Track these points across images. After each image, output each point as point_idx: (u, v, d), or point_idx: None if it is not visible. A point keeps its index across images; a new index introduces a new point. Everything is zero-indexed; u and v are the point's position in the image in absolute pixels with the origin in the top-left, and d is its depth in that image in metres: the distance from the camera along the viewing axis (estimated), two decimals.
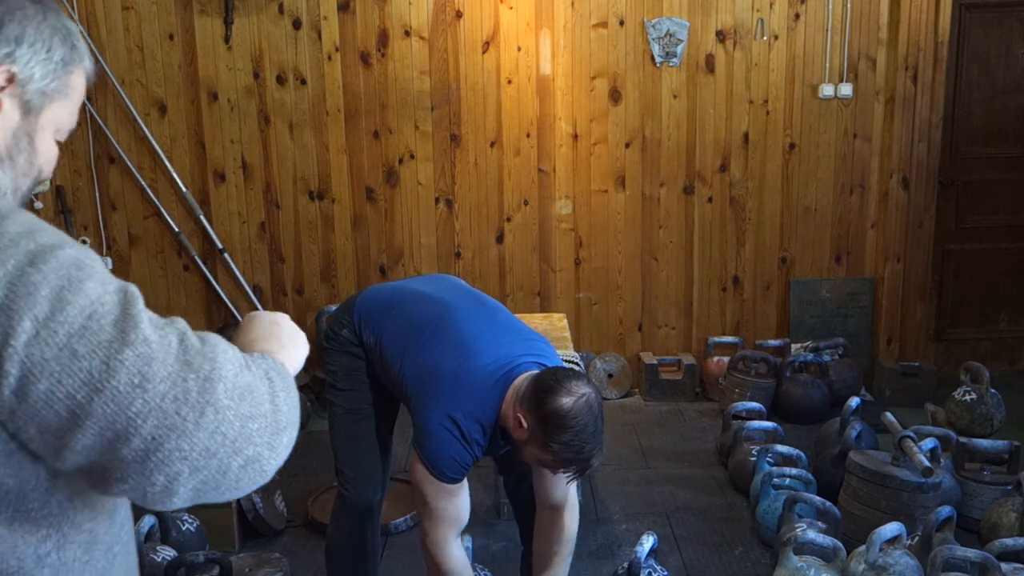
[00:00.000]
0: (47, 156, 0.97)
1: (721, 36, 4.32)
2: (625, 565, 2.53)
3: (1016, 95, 4.56)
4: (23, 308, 0.76)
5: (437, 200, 4.43)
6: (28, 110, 0.93)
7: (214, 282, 4.39)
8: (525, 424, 1.98)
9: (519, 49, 4.29)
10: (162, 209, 4.32)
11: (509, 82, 4.32)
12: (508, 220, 4.46)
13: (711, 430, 4.04)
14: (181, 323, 0.86)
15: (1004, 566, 2.35)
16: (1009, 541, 2.54)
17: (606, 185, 4.44)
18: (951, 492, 3.02)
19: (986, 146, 4.60)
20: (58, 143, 0.99)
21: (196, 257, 4.37)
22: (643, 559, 2.49)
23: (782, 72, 4.36)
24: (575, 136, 4.39)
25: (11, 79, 0.91)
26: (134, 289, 0.85)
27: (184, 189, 4.32)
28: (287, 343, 1.02)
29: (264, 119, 4.32)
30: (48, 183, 4.09)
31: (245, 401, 0.83)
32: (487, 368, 2.08)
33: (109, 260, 4.36)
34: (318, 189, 4.40)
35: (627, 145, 4.41)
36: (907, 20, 4.26)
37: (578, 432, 1.92)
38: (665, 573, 2.57)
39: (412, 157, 4.38)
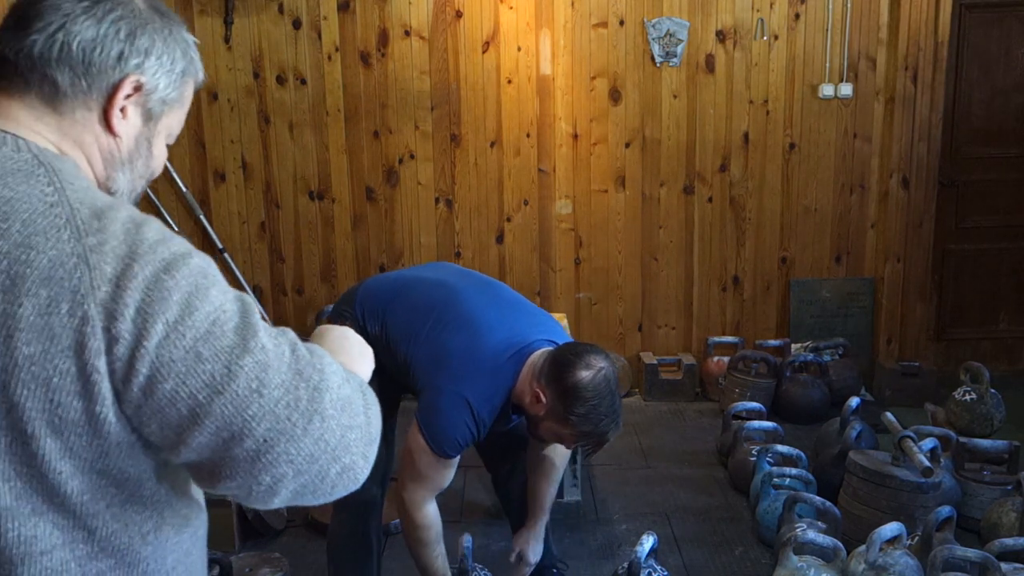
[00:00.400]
0: (160, 160, 1.05)
1: (721, 36, 4.32)
2: (625, 565, 2.53)
3: (1016, 95, 4.56)
4: (157, 312, 0.82)
5: (437, 200, 4.43)
6: (149, 117, 1.00)
7: None
8: (544, 399, 2.04)
9: (519, 49, 4.29)
10: (162, 209, 4.32)
11: (509, 82, 4.32)
12: (508, 220, 4.46)
13: (711, 430, 4.04)
14: (291, 334, 0.91)
15: (1004, 566, 2.35)
16: (1009, 541, 2.54)
17: (606, 185, 4.44)
18: (951, 492, 3.02)
19: (986, 146, 4.60)
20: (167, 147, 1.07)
21: None
22: (643, 559, 2.49)
23: (782, 72, 4.36)
24: (575, 136, 4.39)
25: (139, 88, 0.96)
26: (250, 299, 0.90)
27: (184, 189, 4.32)
28: (357, 357, 1.07)
29: (264, 119, 4.32)
30: None
31: (346, 412, 0.88)
32: (499, 347, 2.12)
33: None
34: (318, 189, 4.40)
35: (627, 145, 4.41)
36: (907, 20, 4.26)
37: (596, 406, 1.99)
38: (665, 573, 2.57)
39: (412, 157, 4.38)
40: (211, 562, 2.48)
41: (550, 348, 2.13)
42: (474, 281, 2.36)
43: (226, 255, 4.38)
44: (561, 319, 3.91)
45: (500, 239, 4.48)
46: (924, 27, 4.26)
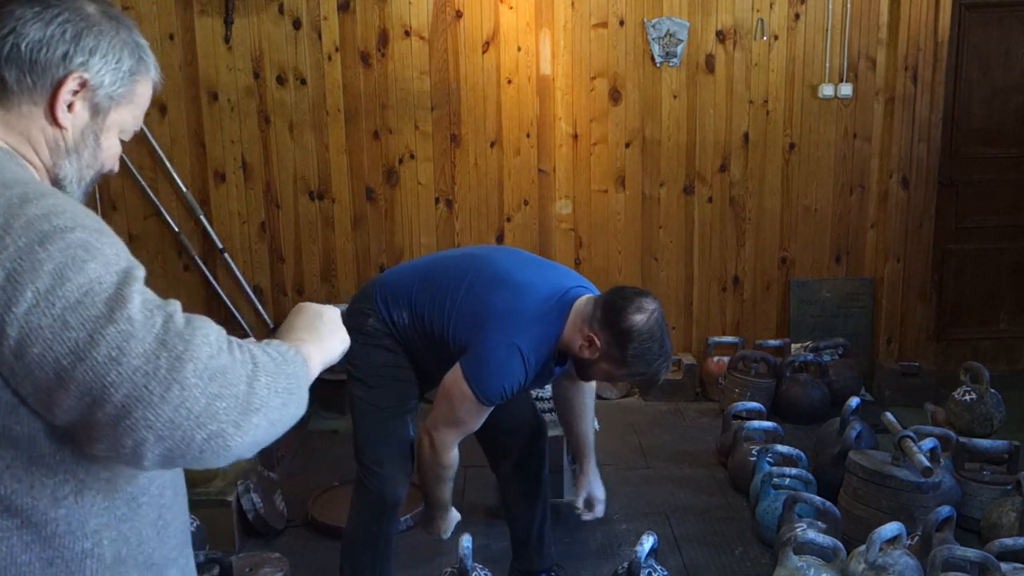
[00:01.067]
0: (110, 152, 1.14)
1: (721, 36, 4.32)
2: (625, 565, 2.53)
3: (1016, 95, 4.56)
4: (27, 281, 0.89)
5: (437, 200, 4.43)
6: (97, 112, 1.10)
7: (214, 282, 4.39)
8: (598, 343, 2.13)
9: (519, 49, 4.29)
10: (162, 209, 4.32)
11: (509, 82, 4.32)
12: (508, 220, 4.46)
13: (711, 430, 4.04)
14: (174, 305, 0.95)
15: (1004, 566, 2.35)
16: (1009, 541, 2.54)
17: (606, 185, 4.44)
18: (951, 492, 3.02)
19: (986, 146, 4.60)
20: (122, 141, 1.16)
21: (196, 257, 4.37)
22: (643, 559, 2.49)
23: (782, 72, 4.36)
24: (575, 136, 4.39)
25: (83, 84, 1.07)
26: (138, 272, 0.94)
27: (184, 189, 4.32)
28: (325, 335, 1.14)
29: (264, 119, 4.32)
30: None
31: (215, 381, 0.91)
32: (540, 297, 2.20)
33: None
34: (318, 189, 4.41)
35: (627, 145, 4.41)
36: (907, 20, 4.26)
37: (650, 347, 2.11)
38: (665, 573, 2.57)
39: (412, 157, 4.38)
40: (211, 562, 2.48)
41: (593, 294, 2.24)
42: (495, 249, 2.47)
43: (226, 255, 4.38)
44: None
45: (500, 239, 4.48)
46: (924, 27, 4.26)
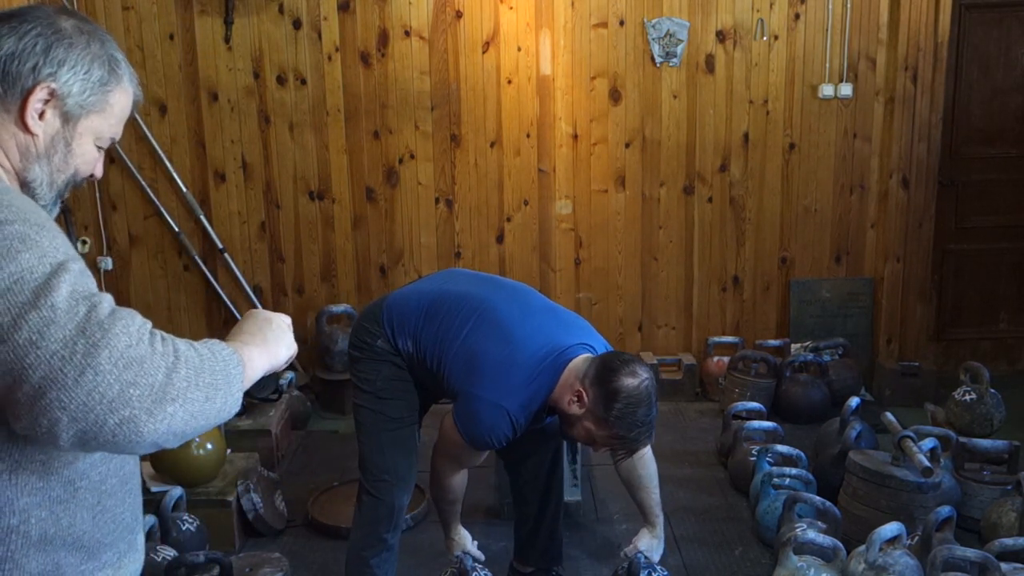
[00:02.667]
0: (84, 159, 1.20)
1: (721, 36, 4.32)
2: (625, 566, 2.53)
3: (1016, 95, 4.56)
4: None
5: (437, 200, 4.43)
6: (67, 119, 1.16)
7: (214, 282, 4.39)
8: (585, 399, 2.14)
9: (519, 49, 4.29)
10: (162, 209, 4.32)
11: (509, 82, 4.32)
12: (508, 220, 4.46)
13: (711, 430, 4.04)
14: (103, 297, 1.00)
15: (1004, 566, 2.35)
16: (1009, 541, 2.54)
17: (606, 185, 4.44)
18: (951, 492, 3.02)
19: (986, 146, 4.60)
20: (100, 148, 1.22)
21: (196, 257, 4.37)
22: (643, 560, 2.49)
23: (782, 72, 4.36)
24: (575, 136, 4.39)
25: (52, 93, 1.13)
26: (73, 265, 1.00)
27: (184, 189, 4.32)
28: (271, 340, 1.20)
29: (264, 119, 4.32)
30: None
31: (130, 370, 0.96)
32: (536, 355, 2.22)
33: (109, 260, 4.36)
34: (318, 189, 4.41)
35: (627, 145, 4.41)
36: (907, 20, 4.26)
37: (635, 412, 2.12)
38: (665, 573, 2.57)
39: (412, 157, 4.38)
40: (211, 562, 2.48)
41: (592, 354, 2.26)
42: (501, 289, 2.45)
43: (226, 255, 4.38)
44: None
45: (500, 239, 4.48)
46: (924, 27, 4.26)
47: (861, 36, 4.33)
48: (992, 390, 3.56)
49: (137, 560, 1.23)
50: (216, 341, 1.11)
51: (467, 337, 2.26)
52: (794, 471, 3.09)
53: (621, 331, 4.60)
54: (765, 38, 4.33)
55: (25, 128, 1.13)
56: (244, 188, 4.39)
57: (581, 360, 2.23)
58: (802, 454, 3.23)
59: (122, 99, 1.22)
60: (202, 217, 4.34)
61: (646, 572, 2.49)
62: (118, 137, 1.25)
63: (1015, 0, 4.46)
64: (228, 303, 4.40)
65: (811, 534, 2.54)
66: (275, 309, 4.75)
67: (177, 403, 1.00)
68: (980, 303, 4.77)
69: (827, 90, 4.35)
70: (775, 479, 3.08)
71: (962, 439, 3.22)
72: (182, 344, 1.04)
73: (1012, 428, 3.64)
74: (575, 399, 2.17)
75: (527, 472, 2.67)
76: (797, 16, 4.31)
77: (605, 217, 4.47)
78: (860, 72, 4.36)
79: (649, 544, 2.56)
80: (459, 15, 4.25)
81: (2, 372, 0.94)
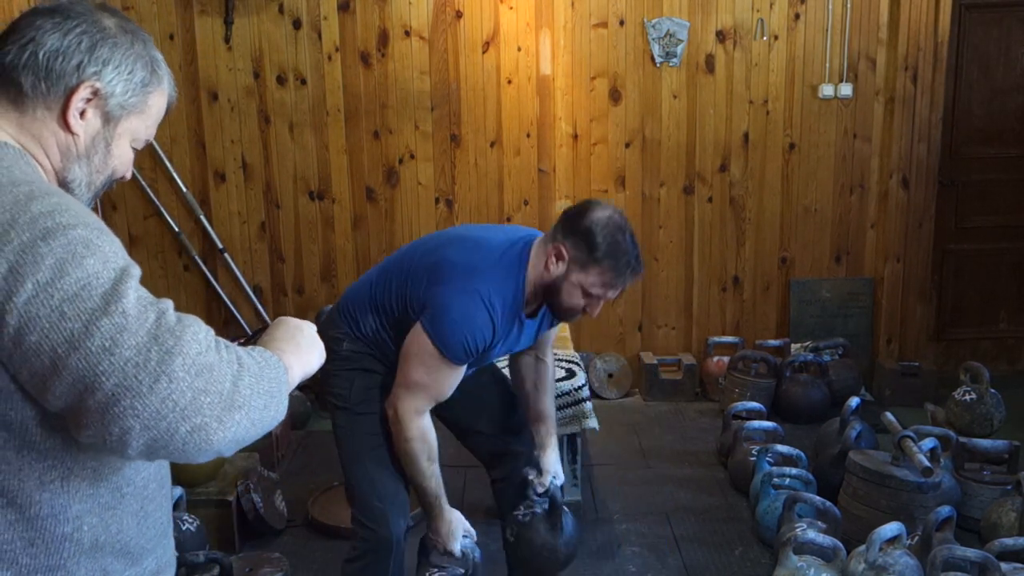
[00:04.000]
0: (122, 159, 1.19)
1: (721, 36, 4.32)
2: (543, 502, 2.35)
3: (1016, 95, 4.56)
4: (28, 273, 0.93)
5: (437, 200, 4.43)
6: (108, 120, 1.14)
7: (214, 282, 4.39)
8: (565, 253, 2.03)
9: (519, 49, 4.29)
10: (162, 209, 4.32)
11: (509, 82, 4.32)
12: (508, 220, 4.46)
13: (711, 430, 4.04)
14: (166, 303, 0.99)
15: (1004, 566, 2.35)
16: (1009, 541, 2.54)
17: (606, 185, 4.44)
18: (951, 492, 3.02)
19: (986, 146, 4.60)
20: (135, 149, 1.21)
21: (196, 257, 4.37)
22: (559, 491, 2.35)
23: (782, 72, 4.36)
24: (575, 136, 4.39)
25: (96, 93, 1.12)
26: (134, 270, 0.99)
27: (184, 189, 4.32)
28: (303, 347, 1.18)
29: (264, 119, 4.32)
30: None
31: (201, 377, 0.95)
32: (498, 246, 2.11)
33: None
34: (318, 189, 4.41)
35: (627, 145, 4.41)
36: (907, 20, 4.26)
37: (618, 240, 2.02)
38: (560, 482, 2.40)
39: (412, 157, 4.38)
40: (211, 562, 2.48)
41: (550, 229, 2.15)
42: (446, 231, 2.38)
43: (226, 255, 4.38)
44: None
45: None
46: (924, 27, 4.26)
47: (861, 36, 4.33)
48: (992, 390, 3.56)
49: (172, 573, 1.23)
50: (263, 349, 1.10)
51: (422, 258, 2.12)
52: (794, 471, 3.09)
53: (621, 331, 4.60)
54: (765, 38, 4.33)
55: (67, 127, 1.11)
56: (244, 188, 4.39)
57: (543, 237, 2.13)
58: (802, 454, 3.23)
59: (160, 101, 1.21)
60: (202, 217, 4.34)
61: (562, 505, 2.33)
62: (152, 138, 1.24)
63: (1015, 0, 4.46)
64: (228, 303, 4.40)
65: (811, 534, 2.54)
66: (275, 309, 4.76)
67: (243, 411, 0.99)
68: (980, 303, 4.77)
69: (827, 90, 4.35)
70: (775, 479, 3.08)
71: (962, 439, 3.22)
72: (242, 351, 1.04)
73: (1012, 428, 3.65)
74: (554, 259, 2.03)
75: (487, 428, 2.41)
76: (797, 16, 4.31)
77: None
78: (860, 72, 4.36)
79: (558, 467, 2.38)
80: (459, 15, 4.25)
81: (73, 380, 0.92)
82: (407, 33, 4.26)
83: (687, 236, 4.52)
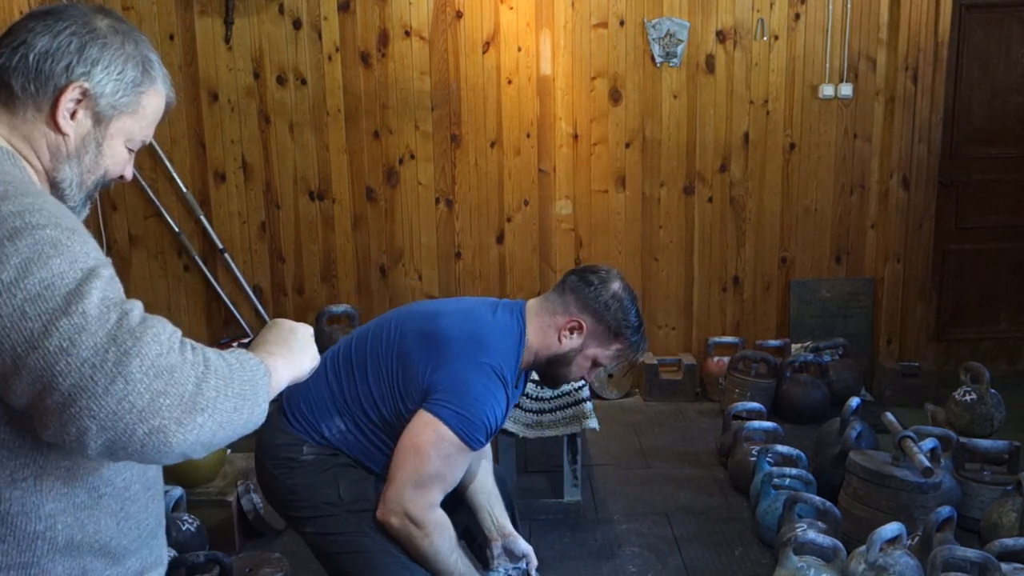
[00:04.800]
0: (114, 160, 1.19)
1: (721, 36, 4.32)
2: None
3: (1016, 95, 4.56)
4: None
5: (437, 200, 4.43)
6: (99, 120, 1.15)
7: (214, 282, 4.39)
8: (584, 326, 1.99)
9: (519, 49, 4.29)
10: (162, 209, 4.32)
11: (509, 82, 4.32)
12: (508, 220, 4.46)
13: (711, 430, 4.04)
14: (134, 304, 0.99)
15: (1004, 566, 2.35)
16: (1009, 541, 2.54)
17: (606, 185, 4.44)
18: (951, 492, 3.02)
19: (986, 146, 4.60)
20: (131, 150, 1.21)
21: (196, 257, 4.37)
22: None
23: (782, 72, 4.36)
24: (575, 136, 4.39)
25: (85, 93, 1.12)
26: (104, 271, 0.98)
27: (184, 189, 4.32)
28: (295, 350, 1.19)
29: (264, 119, 4.32)
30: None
31: (160, 379, 0.95)
32: (487, 311, 2.00)
33: (109, 260, 4.35)
34: (318, 189, 4.41)
35: (627, 145, 4.41)
36: (907, 20, 4.26)
37: (630, 312, 2.01)
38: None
39: (412, 157, 4.38)
40: (211, 562, 2.48)
41: (548, 293, 2.07)
42: (397, 309, 2.14)
43: (227, 255, 4.38)
44: None
45: (500, 239, 4.48)
46: (924, 27, 4.26)
47: (861, 36, 4.33)
48: (992, 390, 3.57)
49: (160, 574, 1.23)
50: (243, 351, 1.10)
51: (402, 342, 1.92)
52: (794, 471, 3.09)
53: None
54: (765, 38, 4.33)
55: (56, 128, 1.12)
56: (244, 188, 4.39)
57: (539, 301, 2.04)
58: (802, 454, 3.23)
59: (155, 101, 1.21)
60: (202, 217, 4.34)
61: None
62: (149, 139, 1.24)
63: (1015, 0, 4.45)
64: (228, 303, 4.40)
65: (811, 534, 2.54)
66: (275, 309, 4.76)
67: (206, 413, 0.98)
68: (980, 303, 4.77)
69: (827, 90, 4.35)
70: (775, 479, 3.08)
71: (962, 439, 3.22)
72: (211, 353, 1.03)
73: (1012, 428, 3.65)
74: (569, 332, 1.99)
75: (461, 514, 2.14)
76: (797, 16, 4.31)
77: (605, 217, 4.47)
78: (860, 72, 4.36)
79: (529, 549, 2.12)
80: (459, 15, 4.25)
81: (32, 379, 0.93)
82: (407, 33, 4.26)
83: (687, 236, 4.52)
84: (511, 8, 4.25)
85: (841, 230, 4.53)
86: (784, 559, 2.52)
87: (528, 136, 4.37)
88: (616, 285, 2.02)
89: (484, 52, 4.29)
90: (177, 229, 4.34)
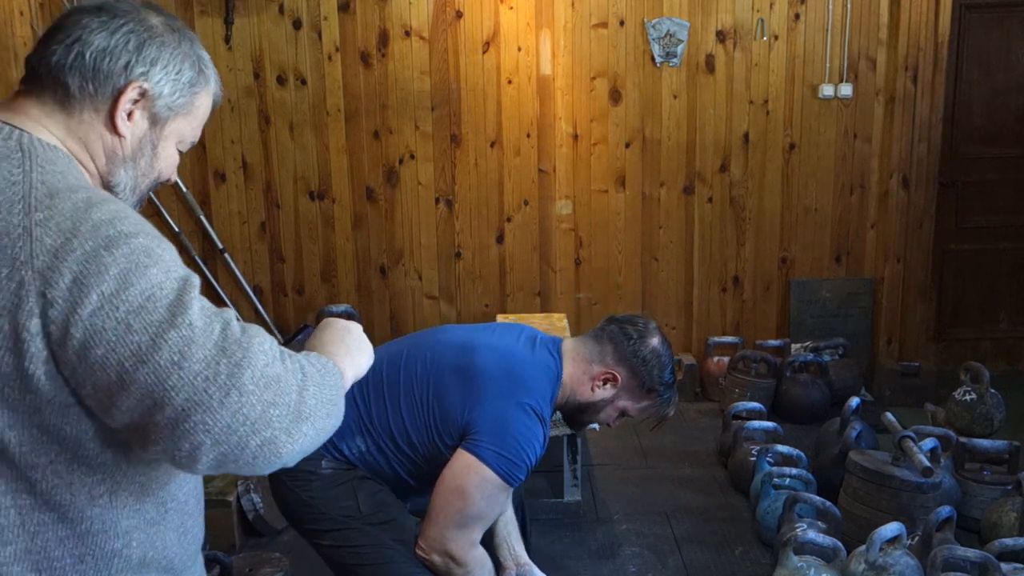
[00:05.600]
0: (167, 162, 1.16)
1: (721, 36, 4.32)
2: None
3: (1016, 95, 4.56)
4: (92, 284, 0.90)
5: (437, 200, 4.43)
6: (155, 121, 1.11)
7: (214, 282, 4.39)
8: (620, 378, 2.01)
9: (519, 49, 4.29)
10: (162, 209, 4.32)
11: (509, 82, 4.32)
12: (508, 220, 4.46)
13: (711, 430, 4.04)
14: (229, 313, 0.98)
15: (1004, 566, 2.35)
16: (1009, 541, 2.54)
17: (606, 185, 4.44)
18: (951, 492, 3.02)
19: (986, 146, 4.60)
20: (180, 152, 1.18)
21: (196, 257, 4.37)
22: None
23: (782, 72, 4.36)
24: (575, 136, 4.39)
25: (143, 94, 1.08)
26: (195, 279, 0.97)
27: (184, 189, 4.32)
28: (353, 350, 1.16)
29: (264, 119, 4.32)
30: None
31: (270, 389, 0.94)
32: (527, 351, 2.00)
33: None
34: (318, 189, 4.41)
35: (627, 145, 4.41)
36: (907, 20, 4.26)
37: (665, 370, 2.02)
38: None
39: (412, 157, 4.38)
40: (211, 562, 2.48)
41: (585, 337, 2.07)
42: (427, 332, 2.14)
43: (226, 255, 4.38)
44: (561, 319, 3.92)
45: (500, 239, 4.48)
46: (924, 27, 4.26)
47: (861, 36, 4.33)
48: (992, 390, 3.56)
49: None
50: (318, 355, 1.08)
51: (442, 375, 1.90)
52: (794, 471, 3.09)
53: None
54: (765, 38, 4.33)
55: (114, 129, 1.08)
56: (244, 188, 4.39)
57: (577, 343, 2.05)
58: (802, 454, 3.23)
59: (207, 101, 1.18)
60: (202, 217, 4.34)
61: None
62: (196, 140, 1.21)
63: (1015, 0, 4.45)
64: (228, 303, 4.40)
65: (811, 534, 2.54)
66: (275, 309, 4.75)
67: (309, 422, 0.97)
68: (980, 303, 4.77)
69: (827, 90, 4.35)
70: (775, 479, 3.08)
71: (962, 439, 3.22)
72: (303, 360, 1.01)
73: (1012, 428, 3.65)
74: (601, 383, 2.00)
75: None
76: (797, 16, 4.31)
77: (605, 217, 4.47)
78: (860, 72, 4.36)
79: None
80: (459, 15, 4.25)
81: (142, 395, 0.90)
82: (407, 33, 4.26)
83: (687, 236, 4.52)
84: (511, 8, 4.25)
85: (841, 230, 4.53)
86: (784, 559, 2.52)
87: (528, 136, 4.37)
88: (655, 340, 2.03)
89: (484, 52, 4.29)
90: (177, 229, 4.34)
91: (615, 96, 4.36)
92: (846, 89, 4.35)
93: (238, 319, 0.98)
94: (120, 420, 0.93)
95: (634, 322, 2.05)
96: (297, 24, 4.24)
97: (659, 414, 2.08)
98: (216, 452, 0.92)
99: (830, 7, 4.29)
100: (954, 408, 3.59)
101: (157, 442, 0.92)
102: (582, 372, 2.02)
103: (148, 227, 0.98)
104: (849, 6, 4.29)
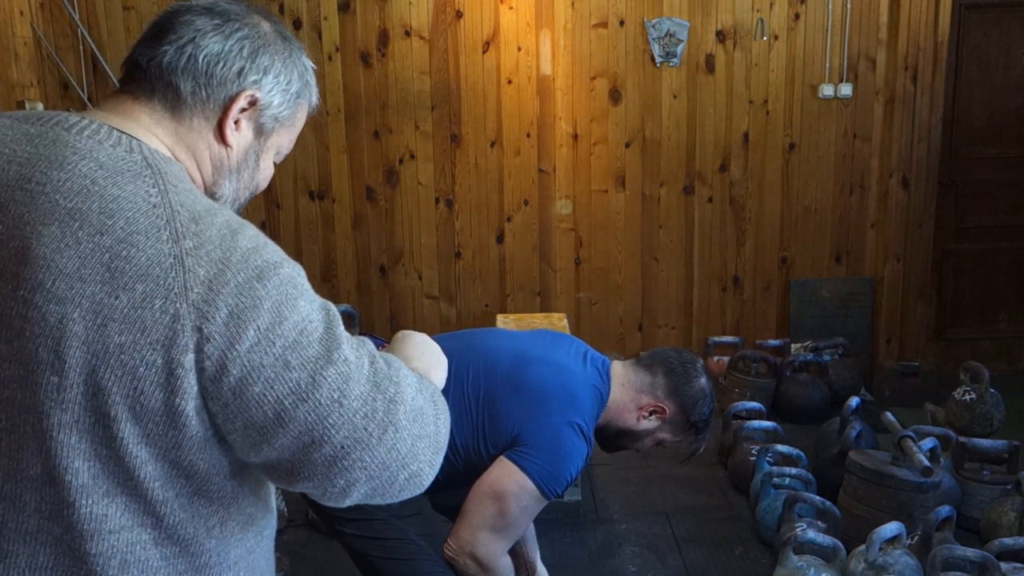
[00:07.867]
0: (266, 174, 1.12)
1: (721, 36, 4.32)
2: None
3: (1016, 95, 4.56)
4: (249, 318, 0.87)
5: (437, 200, 4.43)
6: (260, 132, 1.07)
7: None
8: (667, 411, 2.05)
9: (519, 49, 4.29)
10: None
11: (509, 82, 4.32)
12: (508, 220, 4.46)
13: (711, 430, 4.03)
14: (370, 344, 0.97)
15: (1004, 566, 2.35)
16: (1009, 541, 2.54)
17: (606, 185, 4.44)
18: (951, 492, 3.02)
19: (986, 146, 4.61)
20: (275, 164, 1.14)
21: None
22: None
23: (782, 72, 4.36)
24: (575, 136, 4.39)
25: (254, 103, 1.04)
26: (334, 309, 0.95)
27: None
28: (435, 363, 1.14)
29: None
30: None
31: (417, 422, 0.94)
32: (579, 368, 2.02)
33: None
34: (318, 189, 4.41)
35: (627, 145, 4.41)
36: (907, 20, 4.26)
37: (708, 408, 2.08)
38: None
39: (412, 157, 4.38)
40: None
41: (635, 364, 2.10)
42: (476, 335, 2.15)
43: None
44: (561, 319, 3.91)
45: (500, 239, 4.48)
46: (924, 27, 4.26)
47: (861, 36, 4.33)
48: (992, 390, 3.56)
49: None
50: (421, 375, 1.06)
51: (497, 384, 1.93)
52: (794, 471, 3.09)
53: (621, 331, 4.60)
54: (765, 38, 4.33)
55: (222, 139, 1.03)
56: None
57: (626, 368, 2.07)
58: (802, 454, 3.23)
59: (305, 113, 1.15)
60: None
61: None
62: (290, 152, 1.16)
63: (1015, 0, 4.46)
64: None
65: (811, 534, 2.54)
66: None
67: (444, 450, 0.98)
68: (980, 303, 4.77)
69: (827, 90, 4.35)
70: (775, 479, 3.08)
71: (962, 439, 3.22)
72: (428, 384, 1.00)
73: (1012, 428, 3.64)
74: (648, 415, 2.05)
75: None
76: (797, 16, 4.31)
77: (605, 217, 4.48)
78: (860, 72, 4.36)
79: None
80: (459, 15, 4.25)
81: (299, 432, 0.88)
82: (407, 33, 4.26)
83: (687, 236, 4.52)
84: (511, 8, 4.25)
85: (841, 230, 4.53)
86: (784, 559, 2.52)
87: (528, 136, 4.37)
88: (704, 380, 2.08)
89: (484, 52, 4.29)
90: None
91: (615, 96, 4.36)
92: (846, 89, 4.35)
93: (375, 346, 0.97)
94: (267, 456, 0.91)
95: (689, 359, 2.10)
96: (297, 24, 4.24)
97: (691, 448, 2.15)
98: (368, 487, 0.92)
99: (830, 7, 4.29)
100: (954, 408, 3.59)
101: (310, 478, 0.91)
102: (630, 400, 2.06)
103: (283, 253, 0.94)
104: (849, 6, 4.29)
